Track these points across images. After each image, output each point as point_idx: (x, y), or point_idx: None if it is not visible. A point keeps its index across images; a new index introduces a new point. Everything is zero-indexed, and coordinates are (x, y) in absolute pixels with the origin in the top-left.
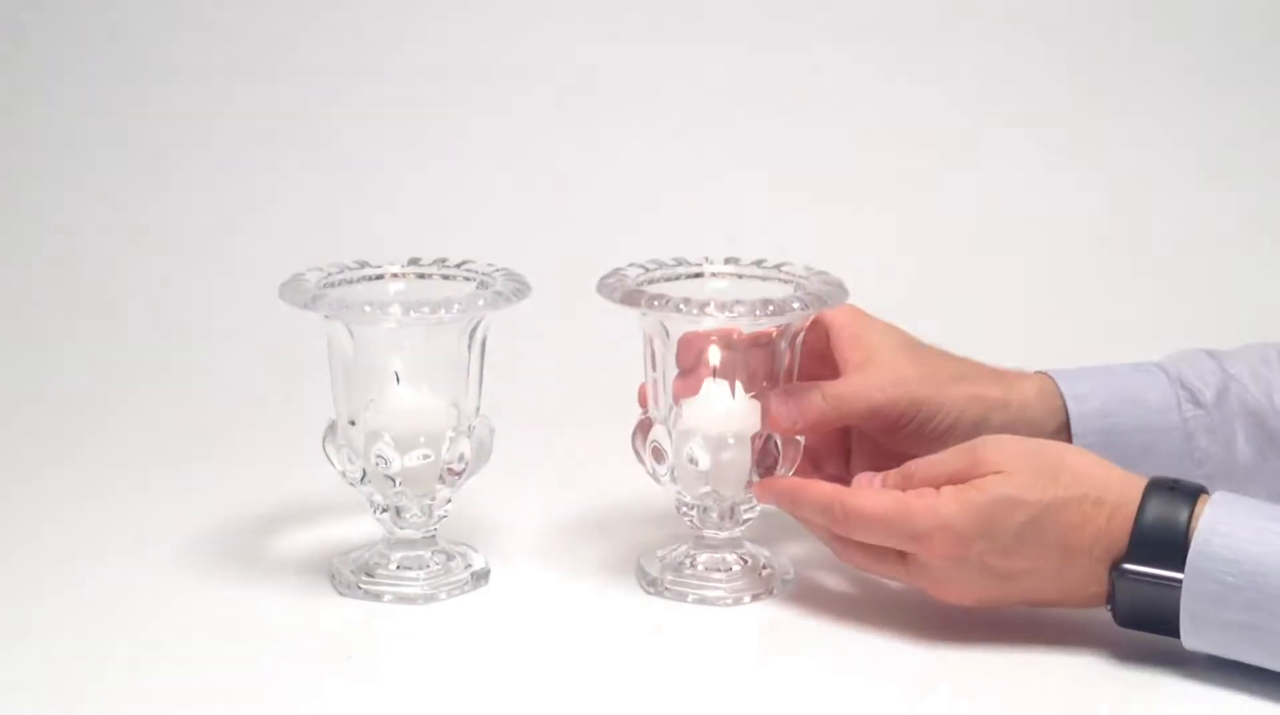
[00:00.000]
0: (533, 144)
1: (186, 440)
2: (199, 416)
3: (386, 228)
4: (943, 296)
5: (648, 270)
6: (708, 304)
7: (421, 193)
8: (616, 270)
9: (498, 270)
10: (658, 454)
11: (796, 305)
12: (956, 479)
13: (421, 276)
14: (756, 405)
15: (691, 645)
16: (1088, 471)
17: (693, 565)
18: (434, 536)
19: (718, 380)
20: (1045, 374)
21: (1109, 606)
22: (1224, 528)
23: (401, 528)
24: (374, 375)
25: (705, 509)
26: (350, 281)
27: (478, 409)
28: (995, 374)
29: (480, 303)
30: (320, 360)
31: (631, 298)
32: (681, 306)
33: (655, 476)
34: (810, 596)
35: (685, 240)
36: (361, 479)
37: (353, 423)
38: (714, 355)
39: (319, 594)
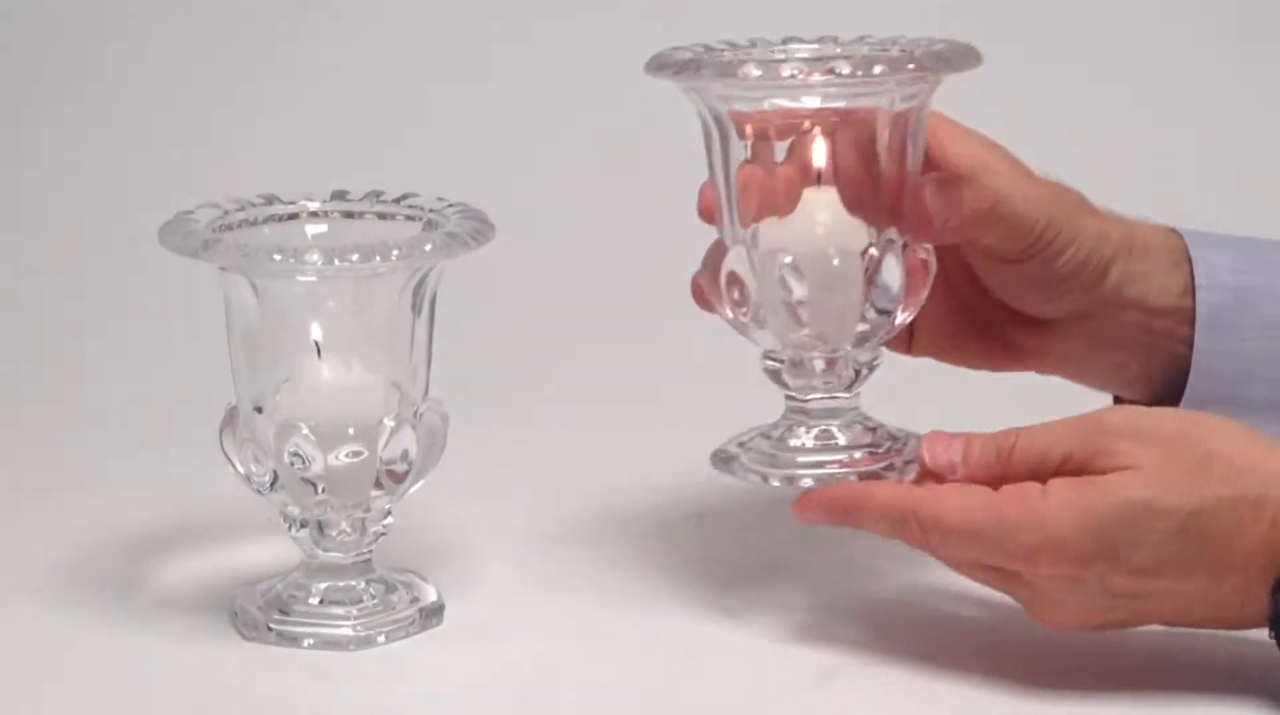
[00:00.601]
0: (501, 51)
1: (40, 435)
2: (56, 404)
3: (307, 151)
4: None
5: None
6: (788, 66)
7: (353, 108)
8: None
9: (450, 206)
10: (735, 286)
11: (912, 66)
12: (1072, 468)
13: (350, 215)
14: (859, 223)
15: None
16: (1243, 459)
17: (793, 440)
18: (369, 561)
19: (823, 188)
20: (1166, 226)
21: (1273, 633)
22: None
23: (326, 549)
24: (287, 347)
25: (799, 363)
26: (255, 222)
27: (426, 390)
28: (1112, 213)
29: (428, 248)
30: (216, 327)
31: (689, 66)
32: (755, 70)
33: (736, 324)
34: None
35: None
36: (271, 484)
37: (259, 410)
38: (818, 151)
39: (217, 637)
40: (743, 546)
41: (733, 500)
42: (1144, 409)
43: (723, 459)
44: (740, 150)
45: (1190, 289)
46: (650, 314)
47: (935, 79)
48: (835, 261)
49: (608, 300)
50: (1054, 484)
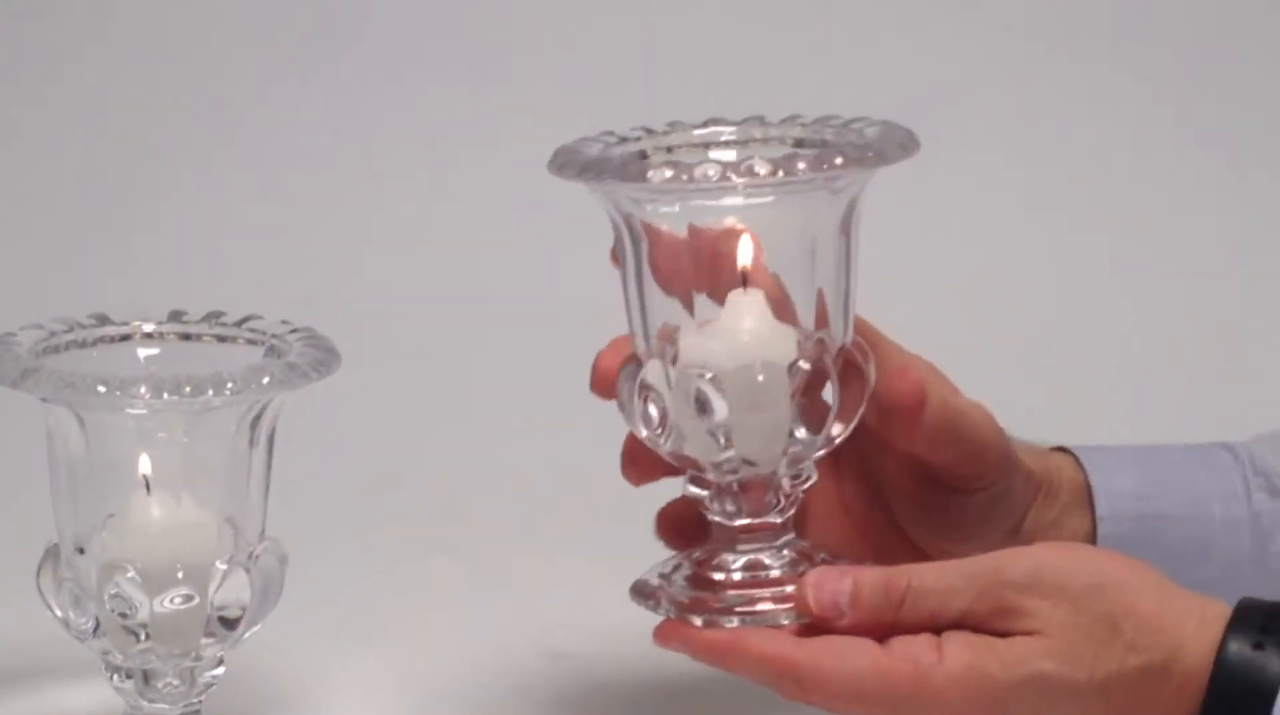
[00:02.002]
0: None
1: None
2: None
3: (145, 269)
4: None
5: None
6: (710, 165)
7: (195, 222)
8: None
9: (294, 332)
10: (651, 402)
11: (840, 160)
12: (971, 621)
13: (187, 338)
14: (790, 330)
15: None
16: (1153, 620)
17: (719, 572)
18: (198, 714)
19: (749, 291)
20: (1061, 448)
21: None
22: None
23: (151, 701)
24: (114, 481)
25: (724, 487)
26: (83, 344)
27: (263, 529)
28: (1020, 442)
29: (266, 380)
30: (37, 458)
31: (594, 168)
32: (669, 172)
33: (653, 441)
34: None
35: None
36: (94, 630)
37: (81, 550)
38: (744, 250)
39: None
40: (603, 693)
41: (592, 640)
42: (1051, 556)
43: (643, 592)
44: (655, 253)
45: (1091, 518)
46: (511, 443)
47: (867, 172)
48: (760, 377)
49: (465, 427)
50: (949, 644)
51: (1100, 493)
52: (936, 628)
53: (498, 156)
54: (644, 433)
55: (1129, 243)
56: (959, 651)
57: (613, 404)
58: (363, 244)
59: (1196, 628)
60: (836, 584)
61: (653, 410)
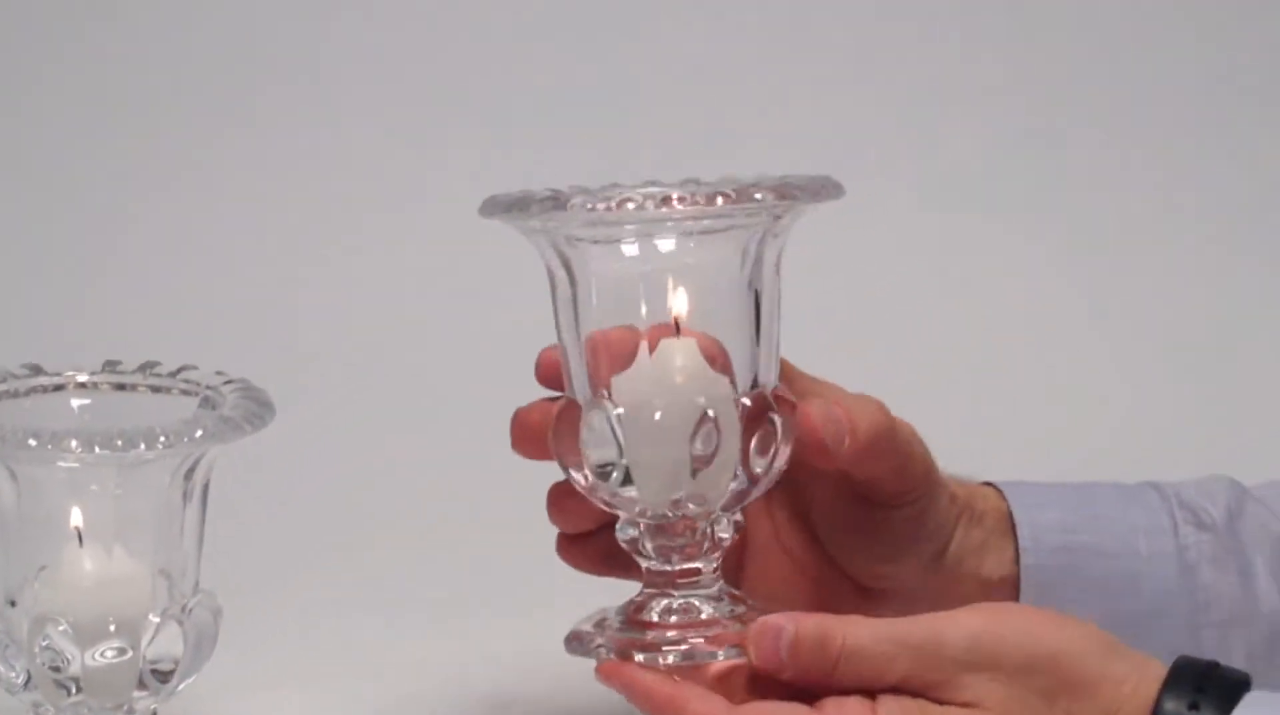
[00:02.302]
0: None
1: None
2: None
3: (80, 318)
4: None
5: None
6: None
7: (131, 270)
8: None
9: (229, 383)
10: (599, 448)
11: (759, 196)
12: (908, 689)
13: (121, 388)
14: (722, 378)
15: None
16: (1093, 681)
17: (654, 615)
18: None
19: (681, 338)
20: (986, 484)
21: None
22: None
23: None
24: (46, 533)
25: (663, 529)
26: (14, 395)
27: (197, 583)
28: (949, 476)
29: (199, 433)
30: None
31: (520, 204)
32: (595, 205)
33: (592, 488)
34: None
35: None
36: (25, 683)
37: (13, 602)
38: (678, 299)
39: None
40: None
41: (537, 688)
42: (990, 625)
43: (577, 640)
44: (589, 298)
45: (1014, 553)
46: (451, 491)
47: (787, 210)
48: (710, 412)
49: (401, 478)
50: (883, 708)
51: (1023, 524)
52: (873, 690)
53: (433, 206)
54: (587, 479)
55: (1056, 280)
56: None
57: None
58: (299, 290)
59: (1134, 690)
60: (777, 635)
61: (600, 454)
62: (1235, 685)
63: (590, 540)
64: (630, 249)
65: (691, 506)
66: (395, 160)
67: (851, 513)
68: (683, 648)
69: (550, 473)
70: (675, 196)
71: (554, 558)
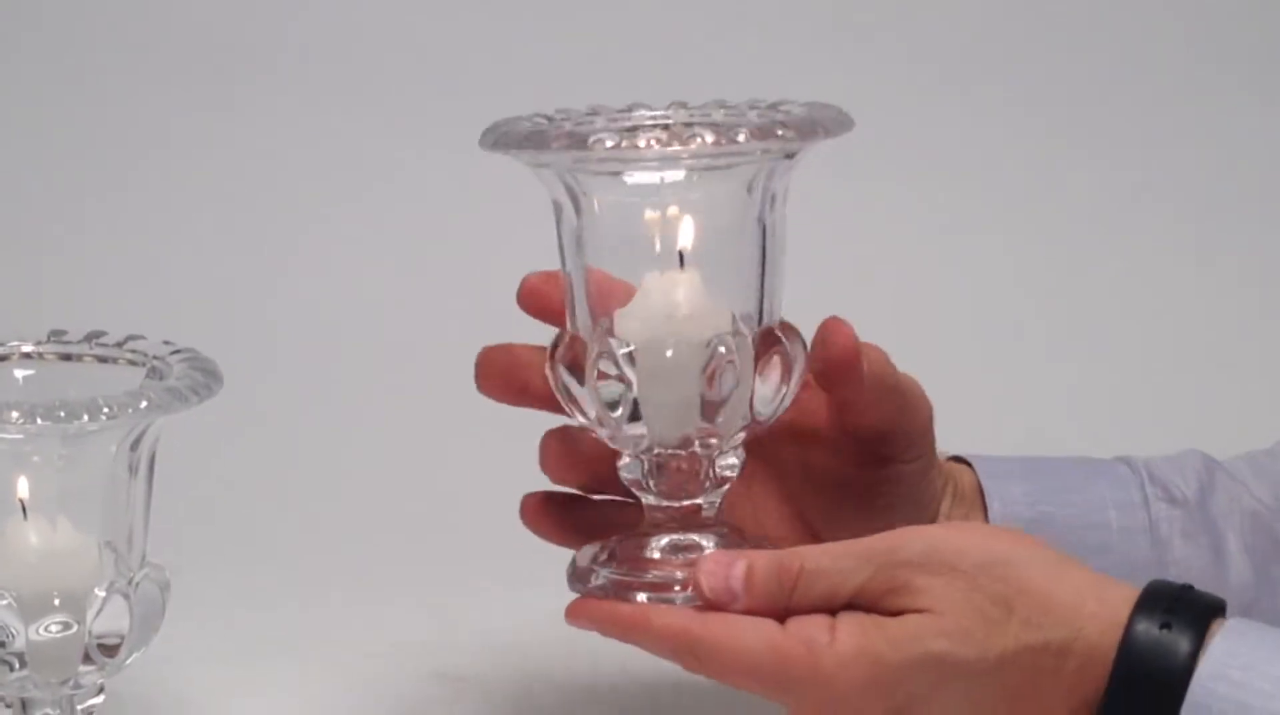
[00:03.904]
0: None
1: None
2: None
3: (24, 287)
4: None
5: None
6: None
7: (78, 240)
8: None
9: (176, 353)
10: (608, 382)
11: (781, 133)
12: (866, 599)
13: (67, 358)
14: (725, 311)
15: None
16: (1052, 597)
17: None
18: None
19: (685, 271)
20: (956, 458)
21: None
22: (1235, 673)
23: None
24: None
25: (663, 466)
26: None
27: (144, 556)
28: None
29: (144, 404)
30: None
31: (535, 139)
32: (609, 140)
33: (598, 423)
34: None
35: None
36: None
37: None
38: (685, 232)
39: None
40: None
41: (490, 663)
42: (946, 533)
43: (577, 576)
44: (595, 231)
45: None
46: (405, 466)
47: (804, 145)
48: (722, 349)
49: (357, 449)
50: (842, 626)
51: (992, 495)
52: (832, 608)
53: (396, 162)
54: (590, 415)
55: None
56: (849, 633)
57: (500, 422)
58: (252, 262)
59: (1097, 607)
60: (729, 568)
61: (609, 390)
62: (1208, 607)
63: (559, 510)
64: (638, 179)
65: (698, 444)
66: (365, 130)
67: (854, 476)
68: (687, 592)
69: (512, 439)
70: (700, 135)
71: (514, 535)
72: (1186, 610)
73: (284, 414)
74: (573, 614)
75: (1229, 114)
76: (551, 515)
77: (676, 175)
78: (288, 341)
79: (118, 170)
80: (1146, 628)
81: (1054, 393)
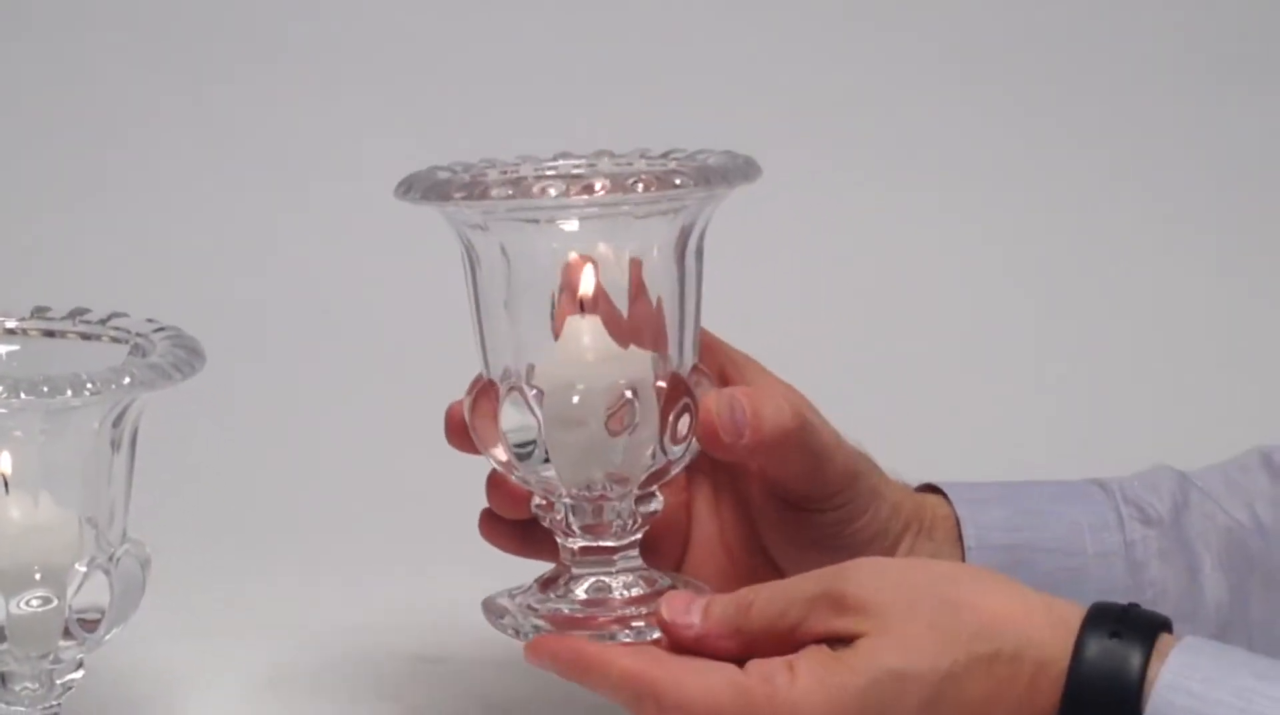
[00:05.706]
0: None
1: None
2: None
3: (8, 264)
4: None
5: None
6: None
7: (60, 218)
8: None
9: (160, 330)
10: (515, 428)
11: (679, 182)
12: (817, 623)
13: (50, 335)
14: (644, 356)
15: None
16: (999, 611)
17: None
18: None
19: (587, 317)
20: (930, 486)
21: None
22: (1195, 685)
23: (8, 704)
24: None
25: (578, 508)
26: None
27: (125, 532)
28: (898, 482)
29: (126, 380)
30: None
31: (438, 190)
32: (510, 191)
33: (511, 467)
34: None
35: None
36: None
37: None
38: (587, 279)
39: None
40: (469, 698)
41: (467, 645)
42: (893, 560)
43: (494, 612)
44: (502, 278)
45: (959, 551)
46: (384, 445)
47: (706, 196)
48: (628, 393)
49: (336, 428)
50: (801, 663)
51: (968, 523)
52: (785, 630)
53: (358, 174)
54: (502, 458)
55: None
56: (808, 669)
57: None
58: (236, 241)
59: (1045, 618)
60: (689, 602)
61: (517, 434)
62: (1154, 621)
63: (509, 526)
64: (544, 228)
65: (608, 486)
66: (350, 109)
67: (778, 514)
68: (592, 630)
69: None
70: (598, 184)
71: (479, 515)
72: (1134, 622)
73: (265, 392)
74: (533, 652)
75: (1228, 119)
76: (503, 531)
77: (573, 226)
78: (270, 321)
79: (102, 149)
80: (1098, 637)
81: (1032, 409)
